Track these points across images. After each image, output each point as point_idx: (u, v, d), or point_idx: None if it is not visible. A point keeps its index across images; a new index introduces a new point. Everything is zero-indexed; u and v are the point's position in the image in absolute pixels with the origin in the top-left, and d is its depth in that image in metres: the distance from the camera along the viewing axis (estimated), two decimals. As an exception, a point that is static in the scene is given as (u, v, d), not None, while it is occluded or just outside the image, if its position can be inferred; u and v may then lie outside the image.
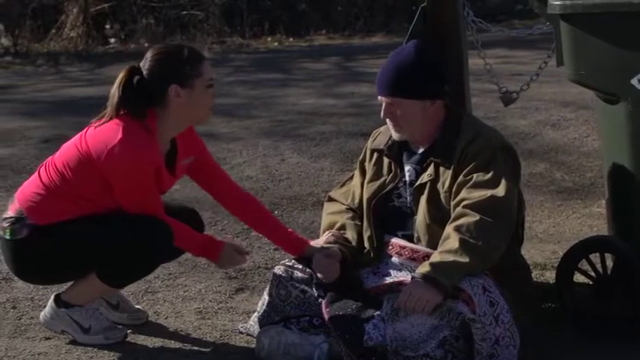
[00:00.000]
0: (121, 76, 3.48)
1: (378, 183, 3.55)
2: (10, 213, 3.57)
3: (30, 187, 3.59)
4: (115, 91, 3.47)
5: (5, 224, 3.56)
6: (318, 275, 3.47)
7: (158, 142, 3.49)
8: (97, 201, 3.51)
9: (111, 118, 3.47)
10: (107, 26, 14.08)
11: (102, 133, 3.46)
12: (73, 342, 3.69)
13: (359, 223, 3.60)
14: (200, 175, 3.77)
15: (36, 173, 3.61)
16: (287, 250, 3.71)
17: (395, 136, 3.51)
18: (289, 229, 3.76)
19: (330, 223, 3.66)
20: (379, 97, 3.48)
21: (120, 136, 3.40)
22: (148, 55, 3.52)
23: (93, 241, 3.51)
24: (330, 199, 3.76)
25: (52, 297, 3.70)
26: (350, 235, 3.57)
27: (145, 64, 3.49)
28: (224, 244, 3.62)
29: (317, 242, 3.60)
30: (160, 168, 3.51)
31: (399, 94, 3.42)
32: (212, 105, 3.57)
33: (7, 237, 3.55)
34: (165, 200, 3.67)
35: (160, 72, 3.48)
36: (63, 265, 3.58)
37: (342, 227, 3.61)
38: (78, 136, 3.56)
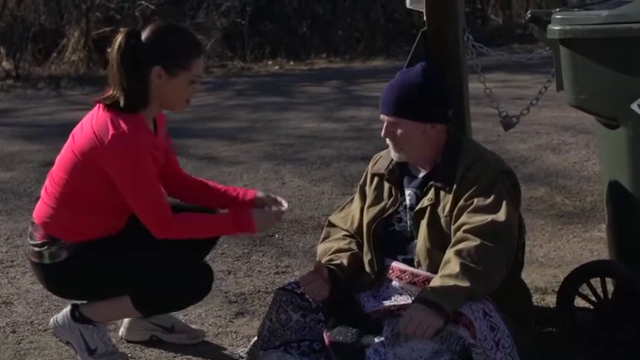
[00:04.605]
0: (120, 38, 3.45)
1: (378, 207, 3.55)
2: (39, 239, 3.56)
3: (42, 208, 3.59)
4: (114, 56, 3.46)
5: (39, 249, 3.55)
6: (306, 294, 3.46)
7: (147, 125, 3.49)
8: (110, 202, 3.50)
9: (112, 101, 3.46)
10: (108, 50, 14.09)
11: (91, 130, 3.44)
12: (73, 366, 3.69)
13: (354, 248, 3.59)
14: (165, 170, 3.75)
15: (43, 192, 3.62)
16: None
17: (394, 156, 3.52)
18: (234, 193, 3.78)
19: (326, 249, 3.65)
20: (381, 116, 3.49)
21: (112, 131, 3.38)
22: (152, 25, 3.49)
23: (134, 272, 3.53)
24: (330, 224, 3.76)
25: (70, 306, 3.68)
26: (345, 259, 3.56)
27: (144, 33, 3.46)
28: (250, 210, 3.57)
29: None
30: (153, 151, 3.50)
31: (400, 114, 3.43)
32: (190, 98, 3.55)
33: (47, 261, 3.54)
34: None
35: (153, 47, 3.45)
36: (102, 288, 3.58)
37: (337, 251, 3.61)
38: (67, 144, 3.56)
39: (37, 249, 3.56)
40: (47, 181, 3.61)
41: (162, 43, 3.46)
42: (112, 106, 3.45)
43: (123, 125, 3.39)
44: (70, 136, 3.56)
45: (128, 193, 3.44)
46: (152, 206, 3.47)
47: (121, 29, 3.52)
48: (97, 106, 3.51)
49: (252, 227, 3.55)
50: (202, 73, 3.55)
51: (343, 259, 3.56)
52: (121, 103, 3.43)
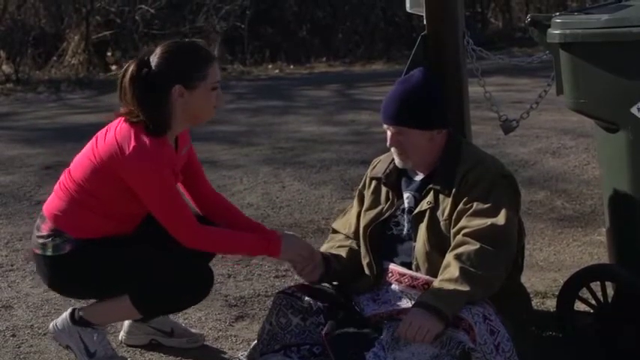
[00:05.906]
0: (131, 68, 3.46)
1: (375, 211, 3.55)
2: (45, 232, 3.57)
3: (55, 202, 3.60)
4: (126, 85, 3.46)
5: (43, 241, 3.56)
6: (299, 275, 3.52)
7: (169, 143, 3.52)
8: (122, 209, 3.53)
9: (126, 117, 3.48)
10: (108, 53, 14.14)
11: (114, 139, 3.47)
12: (73, 370, 3.69)
13: (355, 247, 3.61)
14: (186, 177, 3.74)
15: (56, 187, 3.63)
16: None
17: (399, 164, 3.51)
18: (259, 224, 3.80)
19: (328, 248, 3.68)
20: (385, 126, 3.49)
21: (133, 143, 3.41)
22: (158, 50, 3.51)
23: (135, 268, 3.54)
24: (333, 231, 3.78)
25: (69, 310, 3.69)
26: (344, 252, 3.59)
27: (153, 59, 3.48)
28: (280, 234, 3.58)
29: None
30: (172, 166, 3.53)
31: (406, 123, 3.42)
32: (217, 105, 3.55)
33: (50, 253, 3.55)
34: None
35: (166, 70, 3.47)
36: (101, 284, 3.59)
37: (340, 247, 3.64)
38: (89, 145, 3.57)
39: (41, 240, 3.57)
40: (63, 177, 3.63)
41: (174, 63, 3.48)
42: (136, 123, 3.47)
43: (145, 139, 3.42)
44: (94, 138, 3.58)
45: (151, 203, 3.47)
46: (176, 217, 3.48)
47: (130, 61, 3.52)
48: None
49: (278, 249, 3.54)
50: (220, 78, 3.55)
51: (342, 252, 3.60)
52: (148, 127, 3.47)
